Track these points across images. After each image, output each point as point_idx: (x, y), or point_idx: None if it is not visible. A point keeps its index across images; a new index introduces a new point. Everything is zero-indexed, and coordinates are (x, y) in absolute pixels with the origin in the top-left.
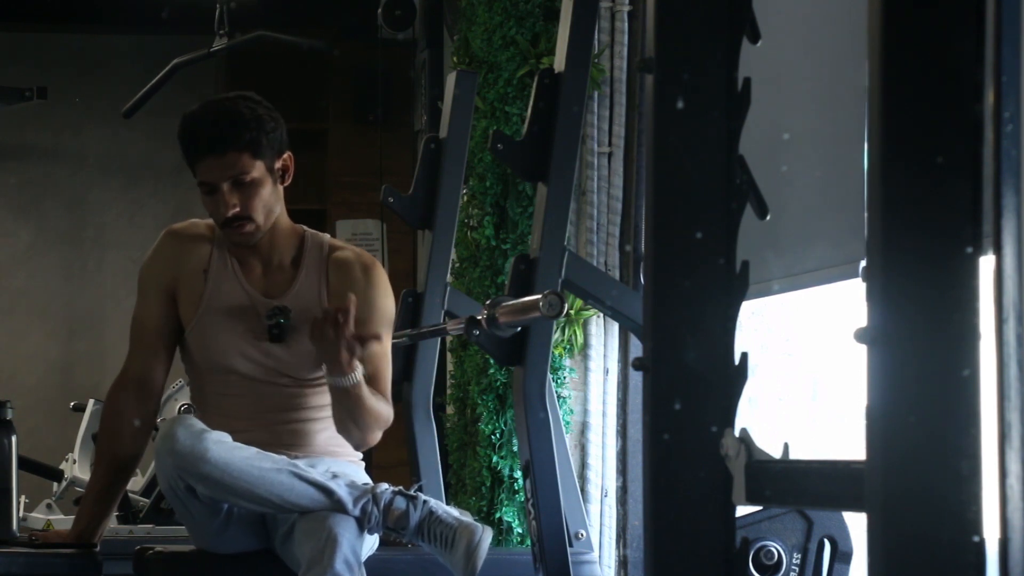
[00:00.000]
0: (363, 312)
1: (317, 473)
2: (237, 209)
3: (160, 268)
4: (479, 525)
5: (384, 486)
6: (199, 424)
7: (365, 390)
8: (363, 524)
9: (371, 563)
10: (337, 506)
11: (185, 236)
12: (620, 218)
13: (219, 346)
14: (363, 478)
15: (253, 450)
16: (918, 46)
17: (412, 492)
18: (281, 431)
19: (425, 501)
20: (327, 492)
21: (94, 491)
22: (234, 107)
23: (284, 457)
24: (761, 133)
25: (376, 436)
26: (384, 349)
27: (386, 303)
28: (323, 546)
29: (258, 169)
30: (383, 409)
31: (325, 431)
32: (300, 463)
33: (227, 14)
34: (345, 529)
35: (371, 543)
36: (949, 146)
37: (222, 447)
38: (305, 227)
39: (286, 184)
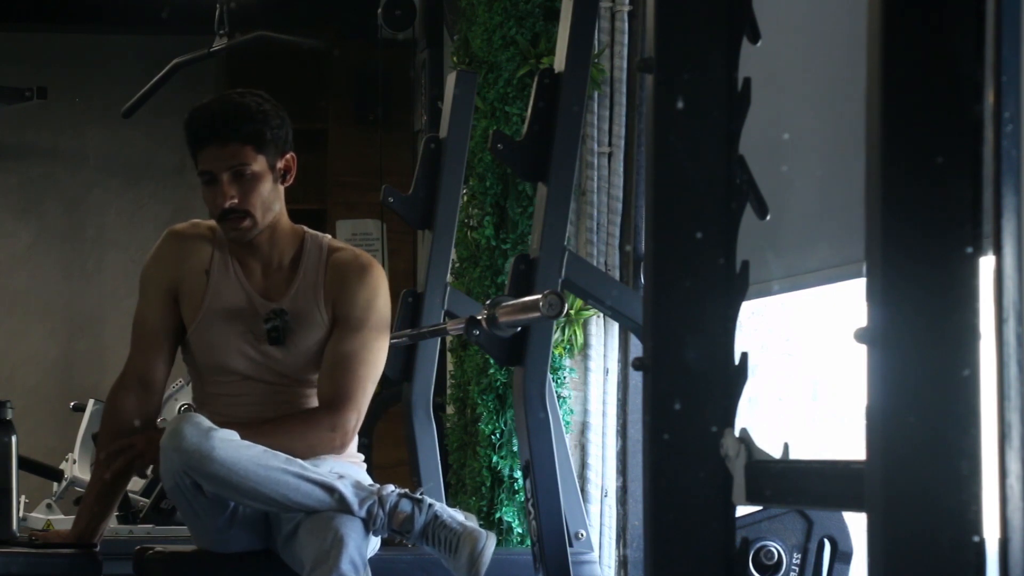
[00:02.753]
0: (353, 311)
1: (323, 473)
2: (235, 201)
3: (162, 268)
4: (483, 532)
5: (390, 488)
6: (206, 422)
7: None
8: (368, 526)
9: (373, 563)
10: (342, 507)
11: (187, 237)
12: (620, 218)
13: (220, 347)
14: (365, 479)
15: (260, 449)
16: (918, 46)
17: (418, 495)
18: None
19: (431, 505)
20: (332, 492)
21: (94, 491)
22: (241, 100)
23: (290, 456)
24: (761, 133)
25: (322, 440)
26: (361, 351)
27: (377, 305)
28: (329, 547)
29: (259, 163)
30: (297, 436)
31: None
32: (305, 463)
33: (227, 14)
34: (351, 530)
35: (374, 544)
36: (949, 146)
37: (229, 446)
38: (306, 228)
39: (287, 184)
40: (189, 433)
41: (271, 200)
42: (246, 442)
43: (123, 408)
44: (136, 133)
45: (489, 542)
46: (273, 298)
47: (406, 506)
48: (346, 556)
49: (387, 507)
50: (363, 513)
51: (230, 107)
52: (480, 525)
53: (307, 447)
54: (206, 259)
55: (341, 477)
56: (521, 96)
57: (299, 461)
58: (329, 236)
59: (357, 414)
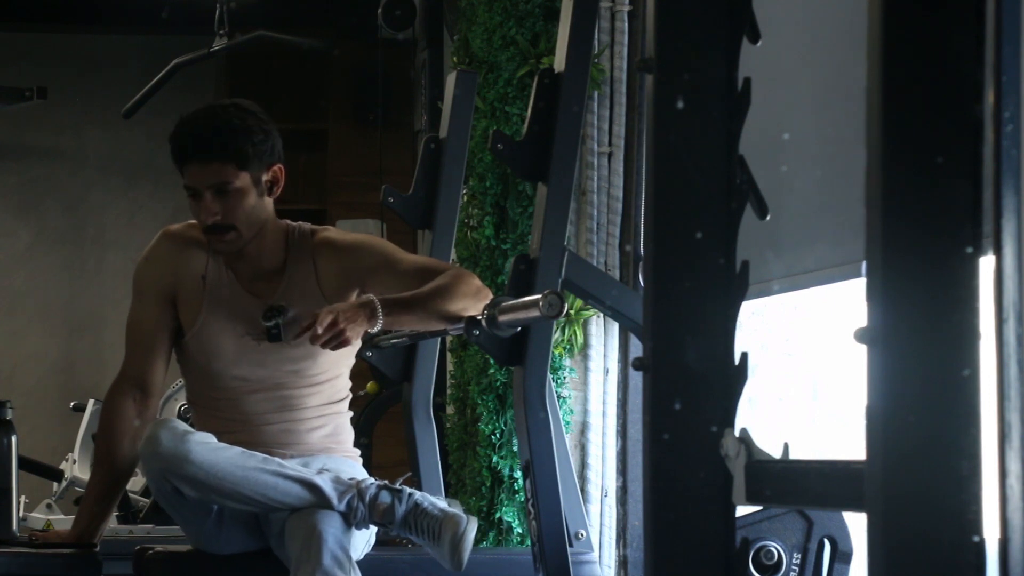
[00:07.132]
0: (372, 260)
1: (300, 470)
2: (218, 217)
3: (159, 271)
4: (464, 516)
5: (369, 480)
6: (182, 426)
7: (405, 303)
8: (349, 519)
9: (370, 563)
10: (322, 502)
11: (182, 239)
12: (620, 218)
13: (219, 352)
14: (360, 473)
15: (237, 450)
16: (918, 46)
17: (397, 486)
18: (276, 431)
19: (411, 494)
20: (312, 488)
21: (94, 492)
22: (225, 115)
23: (268, 455)
24: (761, 133)
25: (472, 293)
26: (409, 258)
27: (378, 240)
28: (309, 543)
29: (242, 180)
30: (452, 286)
31: (320, 430)
32: (291, 461)
33: (227, 14)
34: (330, 524)
35: (366, 539)
36: (949, 146)
37: (205, 448)
38: (288, 221)
39: (275, 196)
40: (165, 438)
41: (256, 213)
42: (223, 444)
43: (121, 410)
44: (136, 133)
45: (470, 525)
46: (268, 297)
47: (386, 497)
48: (327, 551)
49: (367, 499)
50: (343, 507)
51: (213, 123)
52: (464, 512)
53: (475, 294)
54: (202, 263)
55: (321, 472)
56: (521, 96)
57: (276, 460)
58: (308, 223)
59: None
